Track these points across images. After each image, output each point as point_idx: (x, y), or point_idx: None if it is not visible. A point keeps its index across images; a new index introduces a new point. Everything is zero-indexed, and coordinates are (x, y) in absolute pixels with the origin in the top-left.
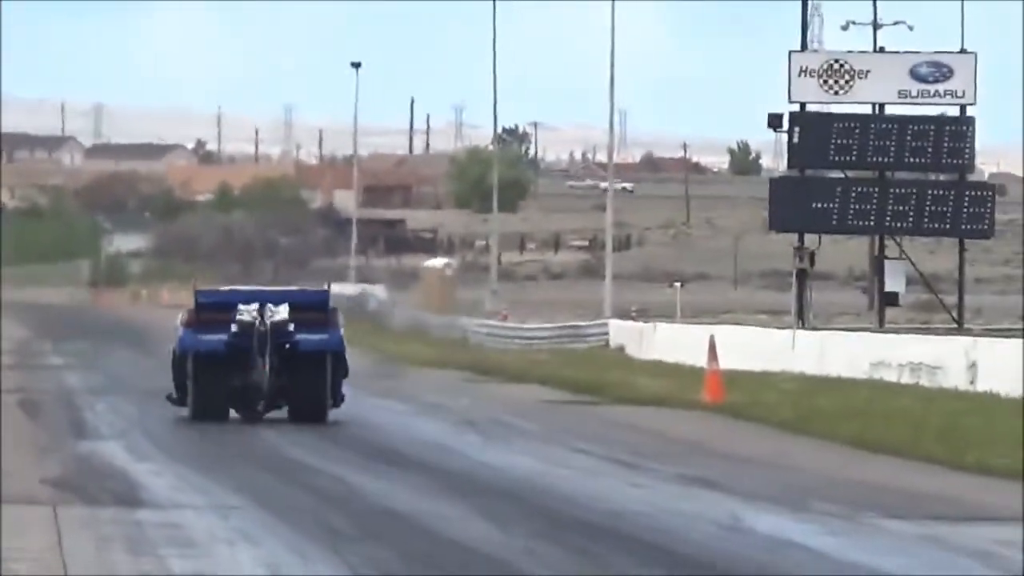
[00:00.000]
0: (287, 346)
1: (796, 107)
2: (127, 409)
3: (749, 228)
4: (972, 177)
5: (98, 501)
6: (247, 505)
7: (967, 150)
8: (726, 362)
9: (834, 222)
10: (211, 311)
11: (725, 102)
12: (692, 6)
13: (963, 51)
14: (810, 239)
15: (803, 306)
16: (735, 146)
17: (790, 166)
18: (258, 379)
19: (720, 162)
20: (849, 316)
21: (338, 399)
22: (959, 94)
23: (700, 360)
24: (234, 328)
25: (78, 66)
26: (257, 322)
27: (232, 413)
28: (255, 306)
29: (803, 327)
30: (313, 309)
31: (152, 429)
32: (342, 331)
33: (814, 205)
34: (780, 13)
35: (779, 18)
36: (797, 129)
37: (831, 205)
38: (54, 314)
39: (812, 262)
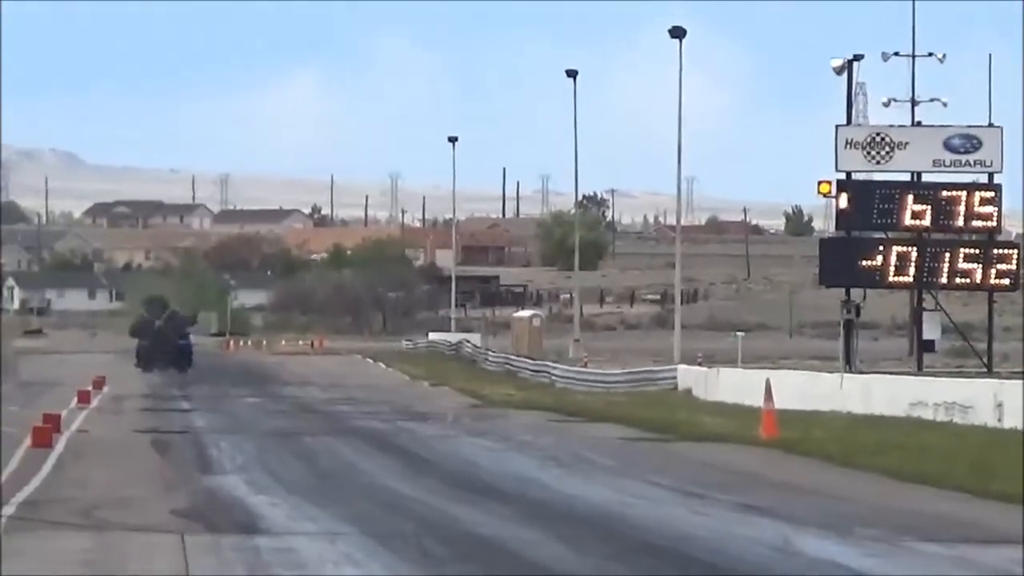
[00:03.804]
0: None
1: (843, 175)
2: (247, 447)
3: (803, 283)
4: (1000, 237)
5: (221, 529)
6: (352, 532)
7: (995, 213)
8: (781, 402)
9: (877, 278)
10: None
11: (781, 171)
12: (751, 85)
13: (991, 125)
14: (856, 293)
15: (850, 352)
16: (790, 210)
17: (838, 228)
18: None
19: (777, 224)
20: (891, 361)
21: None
22: (988, 163)
23: (758, 401)
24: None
25: (206, 140)
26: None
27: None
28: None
29: (850, 371)
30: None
31: (270, 465)
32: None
33: (859, 263)
34: (829, 91)
35: (828, 95)
36: (844, 195)
37: (874, 263)
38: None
39: (858, 313)
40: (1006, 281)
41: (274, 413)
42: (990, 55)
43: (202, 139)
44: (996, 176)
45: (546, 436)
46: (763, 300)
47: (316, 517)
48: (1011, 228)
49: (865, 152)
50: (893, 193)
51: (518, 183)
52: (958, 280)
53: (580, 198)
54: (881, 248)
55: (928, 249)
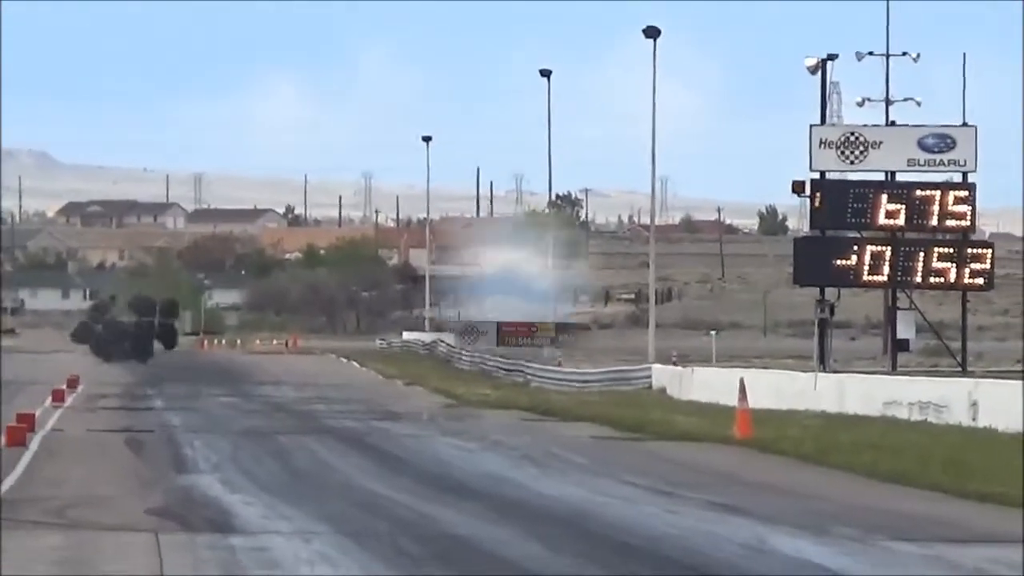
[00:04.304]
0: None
1: (817, 175)
2: (221, 446)
3: (776, 283)
4: (973, 236)
5: (195, 528)
6: (327, 531)
7: (969, 212)
8: (755, 402)
9: (851, 277)
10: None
11: (755, 170)
12: (725, 85)
13: (965, 124)
14: (830, 292)
15: (824, 351)
16: (764, 210)
17: (812, 227)
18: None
19: (751, 224)
20: (865, 360)
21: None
22: (961, 162)
23: (732, 400)
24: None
25: (180, 139)
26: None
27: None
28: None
29: (824, 370)
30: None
31: (244, 464)
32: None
33: (833, 262)
34: (803, 91)
35: (802, 95)
36: (818, 194)
37: (848, 262)
38: (161, 361)
39: (832, 312)
40: (980, 281)
41: (248, 412)
42: (964, 54)
43: (175, 138)
44: (970, 175)
45: (520, 435)
46: (737, 299)
47: (291, 516)
48: (984, 227)
49: (839, 152)
50: (867, 192)
51: (492, 183)
52: (932, 279)
53: (554, 197)
54: (855, 247)
55: (902, 248)
